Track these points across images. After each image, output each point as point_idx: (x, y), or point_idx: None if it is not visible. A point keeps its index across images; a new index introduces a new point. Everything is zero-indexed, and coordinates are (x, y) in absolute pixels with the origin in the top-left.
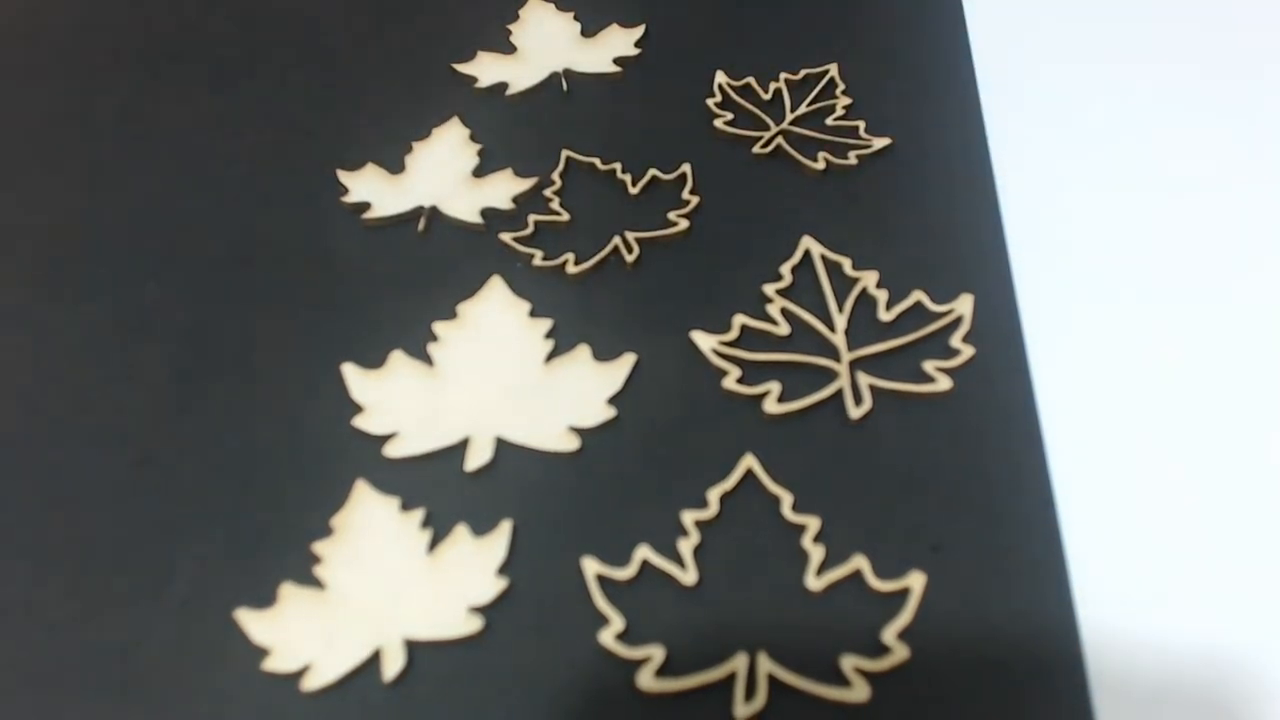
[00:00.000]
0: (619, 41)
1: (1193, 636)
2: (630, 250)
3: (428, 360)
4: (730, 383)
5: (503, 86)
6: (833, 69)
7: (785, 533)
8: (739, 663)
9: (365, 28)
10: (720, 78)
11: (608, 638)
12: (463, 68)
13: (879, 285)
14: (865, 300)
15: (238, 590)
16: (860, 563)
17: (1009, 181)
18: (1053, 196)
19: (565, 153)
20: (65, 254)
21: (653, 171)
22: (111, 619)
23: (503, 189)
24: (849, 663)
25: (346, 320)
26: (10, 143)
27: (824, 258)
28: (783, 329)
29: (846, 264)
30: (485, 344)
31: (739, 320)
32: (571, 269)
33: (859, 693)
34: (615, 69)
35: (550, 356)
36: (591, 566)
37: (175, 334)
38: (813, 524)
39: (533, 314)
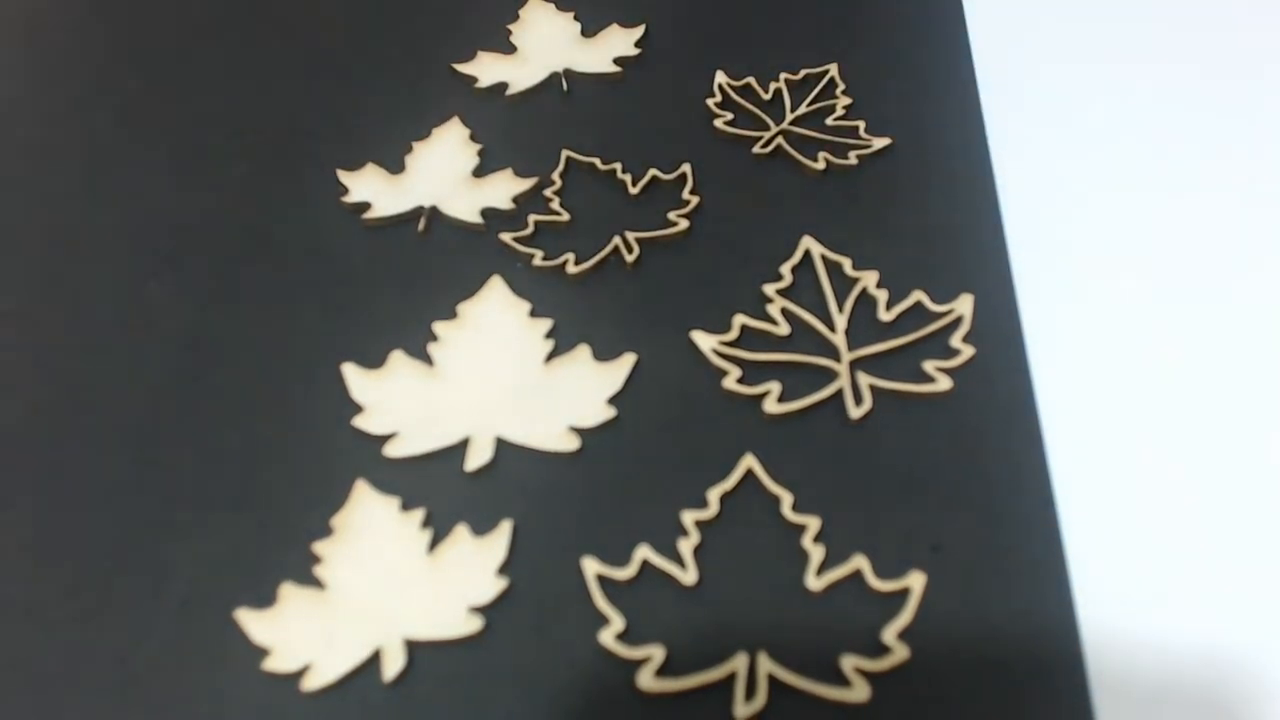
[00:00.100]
0: (619, 41)
1: (1193, 636)
2: (630, 250)
3: (428, 360)
4: (730, 383)
5: (503, 86)
6: (833, 69)
7: (785, 533)
8: (739, 663)
9: (365, 28)
10: (720, 78)
11: (608, 638)
12: (463, 68)
13: (879, 285)
14: (865, 300)
15: (238, 590)
16: (860, 563)
17: (1009, 181)
18: (1053, 196)
19: (565, 153)
20: (65, 254)
21: (653, 171)
22: (111, 619)
23: (503, 189)
24: (849, 663)
25: (346, 320)
26: (10, 143)
27: (824, 258)
28: (783, 329)
29: (846, 264)
30: (485, 344)
31: (739, 320)
32: (571, 269)
33: (859, 693)
34: (615, 69)
35: (550, 356)
36: (591, 566)
37: (175, 334)
38: (813, 524)
39: (533, 314)
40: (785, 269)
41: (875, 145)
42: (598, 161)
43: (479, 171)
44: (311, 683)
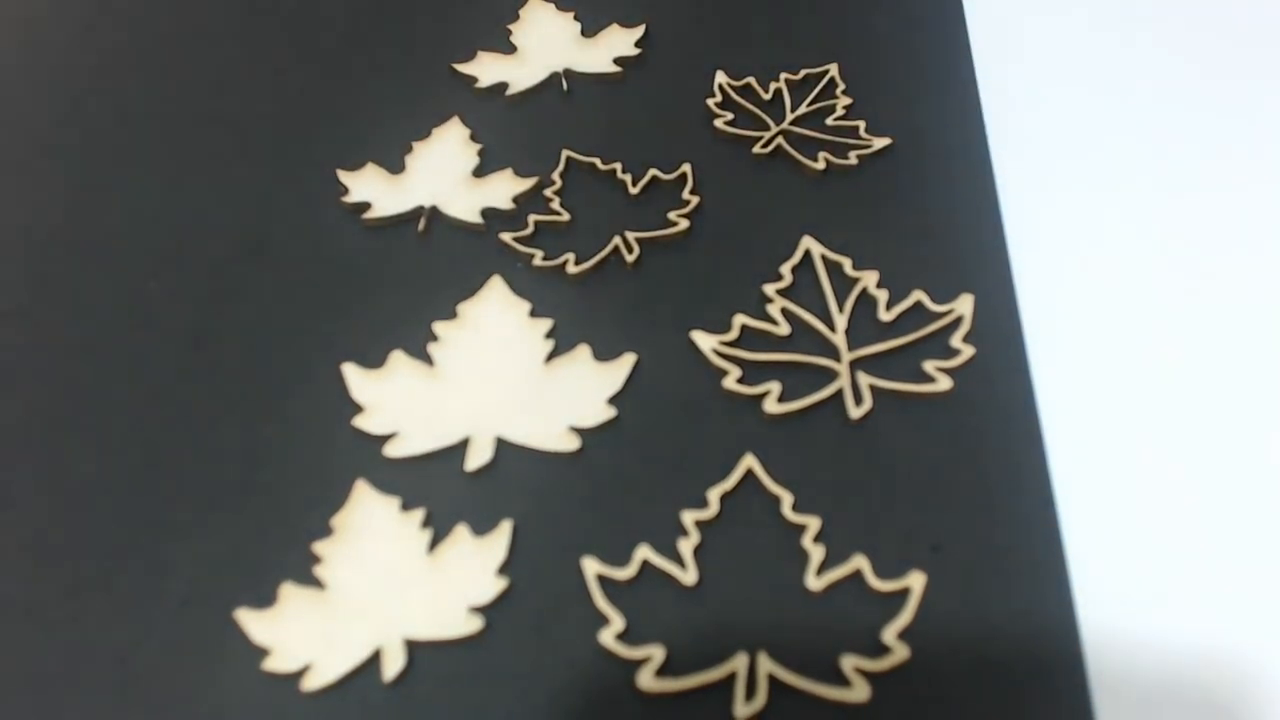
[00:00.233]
0: (619, 41)
1: (1193, 636)
2: (630, 250)
3: (428, 360)
4: (730, 383)
5: (503, 86)
6: (833, 69)
7: (785, 533)
8: (739, 663)
9: (365, 28)
10: (720, 78)
11: (608, 638)
12: (463, 68)
13: (879, 285)
14: (865, 300)
15: (238, 590)
16: (860, 563)
17: (1009, 181)
18: (1053, 196)
19: (565, 153)
20: (65, 254)
21: (653, 171)
22: (111, 619)
23: (503, 189)
24: (849, 663)
25: (346, 320)
26: (10, 143)
27: (824, 258)
28: (783, 329)
29: (846, 264)
30: (485, 344)
31: (739, 320)
32: (572, 269)
33: (859, 693)
34: (615, 69)
35: (550, 356)
36: (591, 566)
37: (175, 334)
38: (813, 524)
39: (533, 314)
40: (785, 269)
41: (875, 145)
42: (598, 161)
43: (479, 171)
44: (311, 683)
